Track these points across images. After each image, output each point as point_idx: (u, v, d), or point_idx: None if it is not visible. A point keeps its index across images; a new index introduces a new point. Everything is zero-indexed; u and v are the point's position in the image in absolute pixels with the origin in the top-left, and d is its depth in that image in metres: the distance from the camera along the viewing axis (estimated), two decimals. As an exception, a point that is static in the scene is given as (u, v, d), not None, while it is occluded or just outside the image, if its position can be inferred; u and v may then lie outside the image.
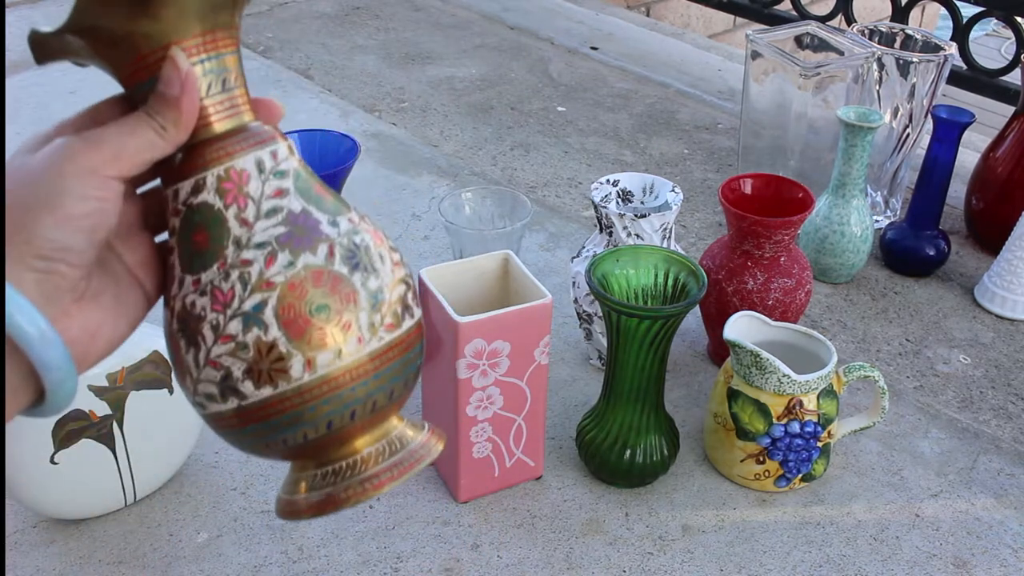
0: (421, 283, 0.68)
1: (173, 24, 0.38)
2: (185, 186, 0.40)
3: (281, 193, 0.40)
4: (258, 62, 1.47)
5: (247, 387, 0.39)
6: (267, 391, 0.39)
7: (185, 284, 0.40)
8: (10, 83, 1.37)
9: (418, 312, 0.44)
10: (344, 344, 0.39)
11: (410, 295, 0.43)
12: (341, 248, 0.40)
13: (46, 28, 0.38)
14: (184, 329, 0.40)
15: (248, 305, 0.39)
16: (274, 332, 0.38)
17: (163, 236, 0.43)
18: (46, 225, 0.36)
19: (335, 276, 0.40)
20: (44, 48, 0.38)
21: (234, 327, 0.39)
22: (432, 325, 0.68)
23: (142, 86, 0.39)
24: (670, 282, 0.71)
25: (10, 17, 1.59)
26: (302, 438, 0.40)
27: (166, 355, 0.60)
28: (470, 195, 0.86)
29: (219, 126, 0.40)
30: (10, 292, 0.34)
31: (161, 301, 0.42)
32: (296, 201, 0.40)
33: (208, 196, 0.40)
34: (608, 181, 0.82)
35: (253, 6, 1.69)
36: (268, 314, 0.38)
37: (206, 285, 0.39)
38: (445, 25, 1.64)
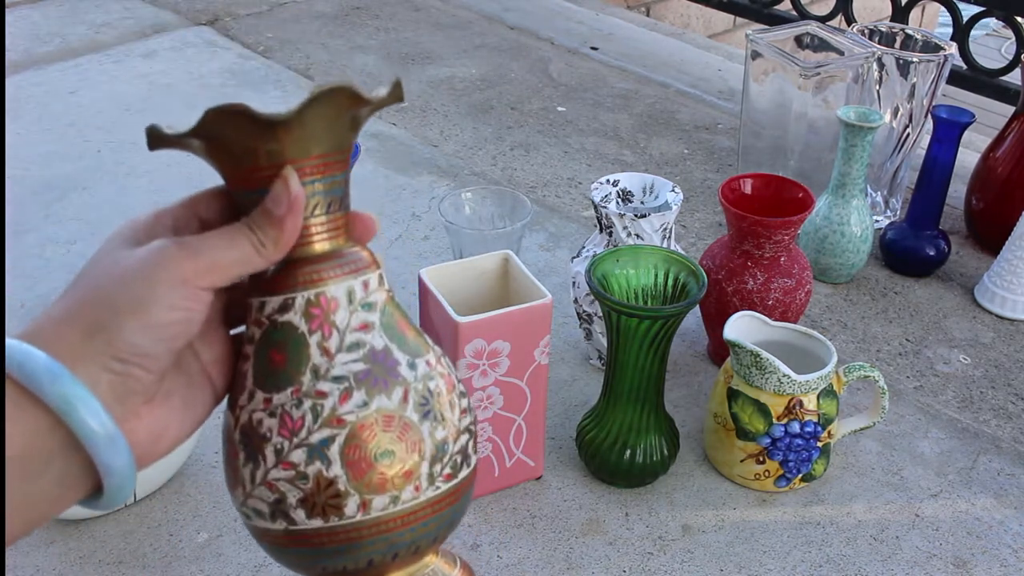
0: (421, 283, 0.68)
1: (294, 146, 0.38)
2: (273, 302, 0.40)
3: (366, 327, 0.40)
4: (258, 62, 1.47)
5: (299, 515, 0.39)
6: (318, 522, 0.39)
7: (255, 399, 0.39)
8: (10, 83, 1.37)
9: (475, 459, 0.44)
10: (402, 491, 0.40)
11: (471, 444, 0.43)
12: (415, 393, 0.40)
13: (169, 129, 0.38)
14: (246, 443, 0.40)
15: (316, 438, 0.39)
16: (336, 469, 0.38)
17: (239, 329, 0.43)
18: (130, 329, 0.35)
19: (406, 423, 0.40)
20: (160, 141, 0.39)
21: (298, 456, 0.39)
22: (432, 325, 0.68)
23: (249, 194, 0.39)
24: (670, 282, 0.71)
25: (10, 17, 1.59)
26: (341, 568, 0.40)
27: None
28: (470, 195, 0.86)
29: (317, 247, 0.40)
30: (83, 392, 0.34)
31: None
32: (379, 338, 0.40)
33: (294, 317, 0.39)
34: (608, 181, 0.82)
35: (253, 6, 1.69)
36: (333, 451, 0.38)
37: (277, 407, 0.39)
38: (445, 25, 1.64)
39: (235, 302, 0.42)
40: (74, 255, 1.01)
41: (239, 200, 0.40)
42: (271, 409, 0.39)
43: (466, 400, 0.44)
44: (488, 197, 0.86)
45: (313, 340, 0.39)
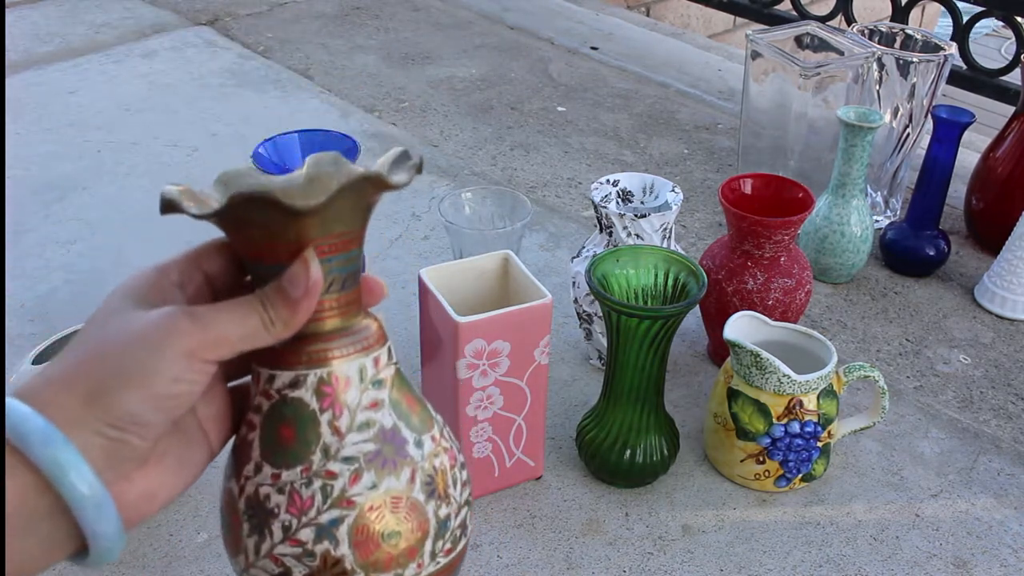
0: (421, 283, 0.68)
1: (316, 228, 0.37)
2: (283, 376, 0.39)
3: (376, 405, 0.40)
4: (258, 62, 1.47)
5: (287, 555, 0.39)
6: None
7: (263, 472, 0.39)
8: (10, 83, 1.37)
9: (470, 528, 0.44)
10: (405, 569, 0.40)
11: (469, 516, 0.44)
12: (422, 473, 0.40)
13: (193, 209, 0.37)
14: (252, 515, 0.40)
15: (325, 519, 0.39)
16: (344, 549, 0.39)
17: (237, 381, 0.42)
18: (131, 399, 0.35)
19: (412, 503, 0.40)
20: (173, 210, 0.38)
21: (306, 535, 0.39)
22: (432, 325, 0.68)
23: (264, 268, 0.38)
24: (670, 282, 0.71)
25: (10, 17, 1.59)
26: None
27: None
28: (470, 195, 0.86)
29: (329, 324, 0.39)
30: (75, 457, 0.34)
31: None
32: (388, 416, 0.40)
33: (305, 395, 0.39)
34: (608, 181, 0.82)
35: (253, 6, 1.69)
36: (342, 531, 0.39)
37: (285, 484, 0.39)
38: (445, 25, 1.64)
39: (235, 363, 0.41)
40: (74, 255, 1.01)
41: (252, 271, 0.40)
42: (279, 485, 0.39)
43: (466, 472, 0.44)
44: (488, 197, 0.86)
45: (324, 419, 0.39)
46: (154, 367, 0.35)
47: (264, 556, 0.40)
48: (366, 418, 0.40)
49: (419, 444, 0.41)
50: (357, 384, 0.40)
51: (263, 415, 0.40)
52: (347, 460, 0.39)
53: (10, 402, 0.34)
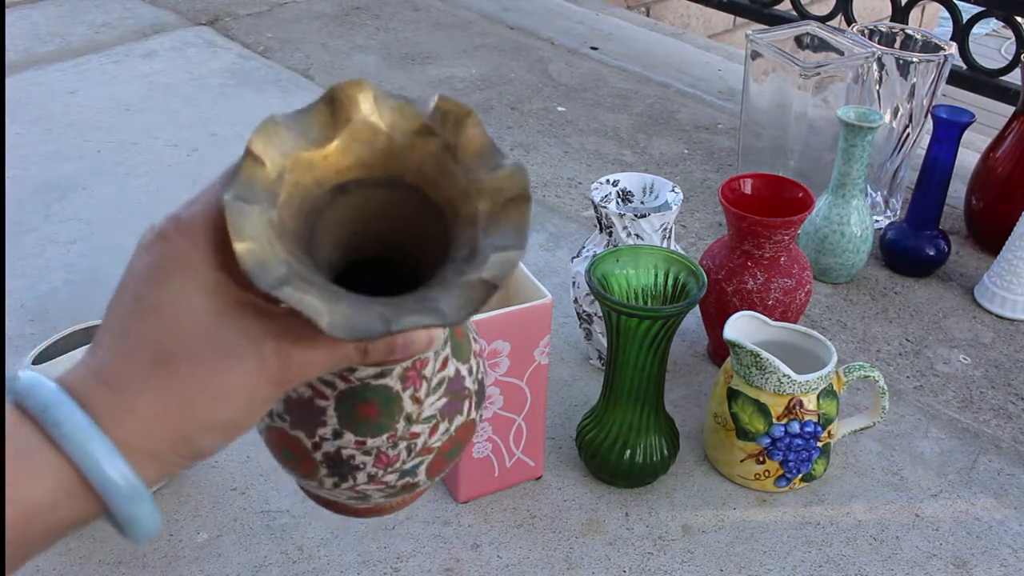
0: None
1: None
2: (368, 370, 0.39)
3: (446, 363, 0.41)
4: (258, 62, 1.47)
5: (377, 500, 0.43)
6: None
7: (344, 438, 0.40)
8: (10, 83, 1.37)
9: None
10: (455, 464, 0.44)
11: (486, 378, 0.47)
12: (476, 396, 0.43)
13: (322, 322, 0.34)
14: (332, 466, 0.41)
15: (408, 465, 0.41)
16: (420, 478, 0.42)
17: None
18: (215, 444, 0.34)
19: (472, 423, 0.43)
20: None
21: (391, 479, 0.41)
22: (432, 325, 0.68)
23: None
24: (670, 282, 0.71)
25: (10, 17, 1.59)
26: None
27: None
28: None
29: None
30: (122, 465, 0.32)
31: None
32: (452, 365, 0.41)
33: (390, 381, 0.40)
34: (608, 181, 0.82)
35: (253, 6, 1.69)
36: (421, 470, 0.41)
37: (372, 448, 0.40)
38: (445, 25, 1.64)
39: None
40: (74, 255, 1.01)
41: None
42: (365, 449, 0.40)
43: (478, 344, 0.45)
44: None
45: (407, 395, 0.40)
46: (246, 422, 0.34)
47: (344, 489, 0.42)
48: (439, 379, 0.41)
49: (470, 372, 0.43)
50: (433, 357, 0.41)
51: (337, 392, 0.40)
52: (427, 420, 0.41)
53: (82, 420, 0.32)
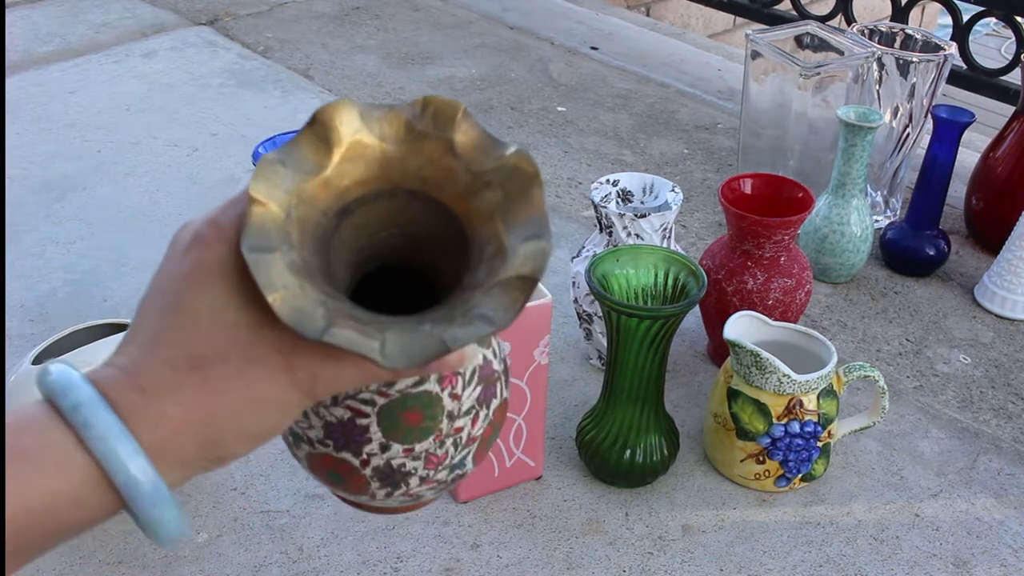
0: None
1: None
2: (406, 381, 0.39)
3: (474, 354, 0.41)
4: (258, 62, 1.47)
5: (428, 497, 0.44)
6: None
7: (392, 449, 0.40)
8: (10, 83, 1.37)
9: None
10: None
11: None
12: (505, 375, 0.43)
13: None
14: (383, 479, 0.41)
15: (457, 459, 0.42)
16: (468, 467, 0.42)
17: None
18: (241, 449, 0.34)
19: (505, 402, 0.44)
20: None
21: (443, 476, 0.42)
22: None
23: None
24: (670, 282, 0.71)
25: (10, 17, 1.59)
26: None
27: None
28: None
29: None
30: (171, 505, 0.33)
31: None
32: (479, 353, 0.41)
33: (428, 386, 0.40)
34: (608, 181, 0.82)
35: (253, 6, 1.69)
36: (469, 460, 0.42)
37: (420, 452, 0.40)
38: (445, 25, 1.64)
39: None
40: (74, 255, 1.01)
41: None
42: (414, 455, 0.40)
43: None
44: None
45: (445, 394, 0.40)
46: (273, 430, 0.35)
47: (400, 496, 0.42)
48: (471, 370, 0.41)
49: (495, 354, 0.43)
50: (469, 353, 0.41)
51: (378, 407, 0.40)
52: (467, 412, 0.41)
53: (112, 423, 0.32)
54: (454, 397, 0.40)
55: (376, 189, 0.36)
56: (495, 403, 0.42)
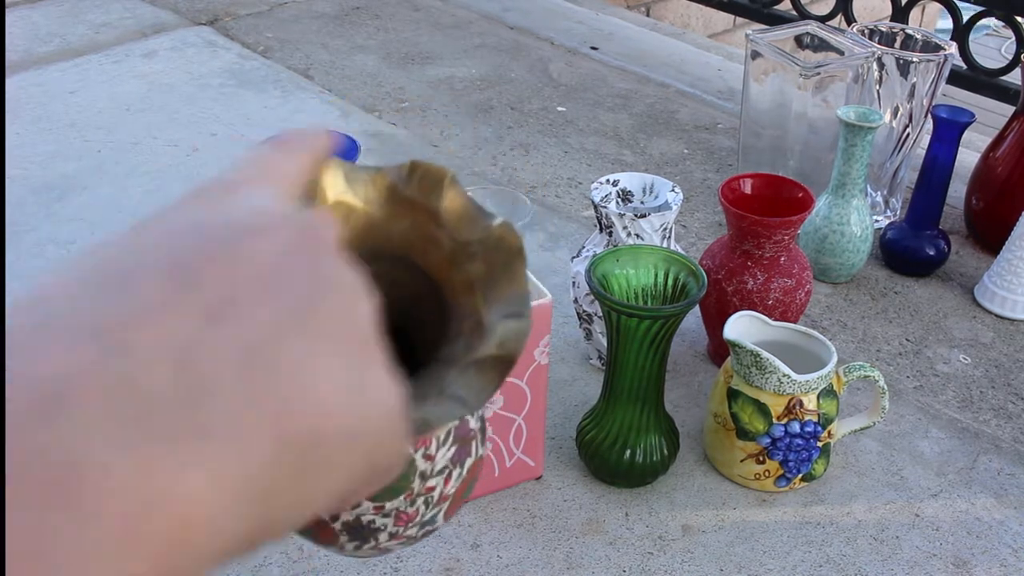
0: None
1: None
2: None
3: None
4: (258, 62, 1.47)
5: (398, 551, 0.45)
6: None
7: (363, 506, 0.40)
8: (10, 83, 1.37)
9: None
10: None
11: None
12: (480, 434, 0.43)
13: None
14: (352, 532, 0.41)
15: (427, 516, 0.42)
16: (438, 523, 0.42)
17: None
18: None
19: (480, 459, 0.43)
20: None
21: (412, 532, 0.42)
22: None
23: None
24: (670, 282, 0.71)
25: (10, 17, 1.59)
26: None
27: None
28: (470, 195, 0.86)
29: None
30: None
31: None
32: None
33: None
34: (608, 181, 0.82)
35: (253, 6, 1.69)
36: (439, 517, 0.42)
37: (391, 510, 0.41)
38: (445, 25, 1.64)
39: None
40: (74, 255, 1.01)
41: None
42: (384, 512, 0.41)
43: None
44: (488, 197, 0.86)
45: (418, 455, 0.40)
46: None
47: (367, 550, 0.42)
48: (447, 430, 0.41)
49: (471, 414, 0.43)
50: None
51: None
52: (440, 472, 0.41)
53: None
54: (427, 458, 0.40)
55: (358, 252, 0.34)
56: (469, 461, 0.42)
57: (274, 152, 0.28)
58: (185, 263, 0.21)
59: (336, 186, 0.34)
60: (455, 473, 0.41)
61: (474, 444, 0.42)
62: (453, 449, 0.41)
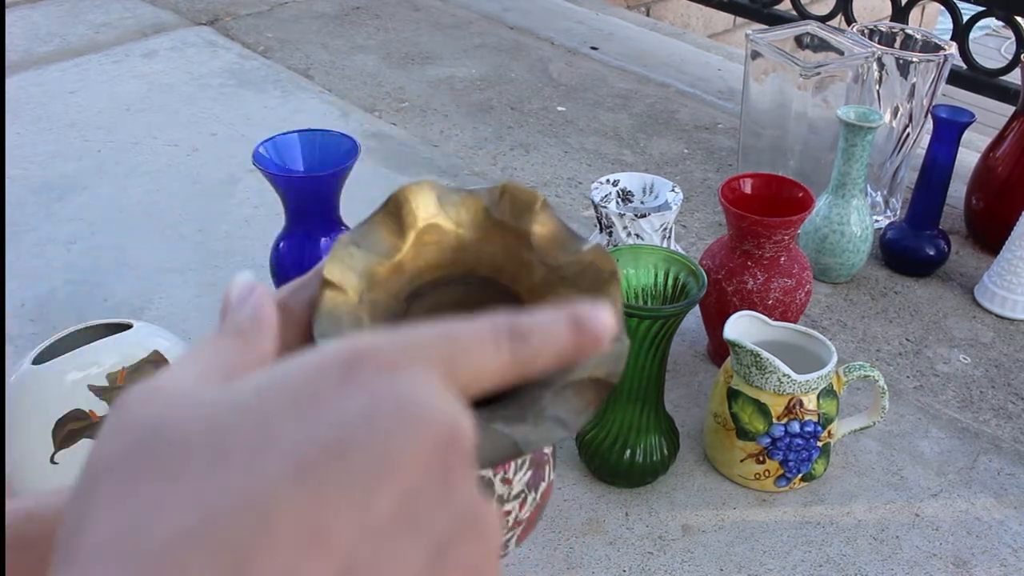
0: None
1: None
2: None
3: None
4: (258, 62, 1.47)
5: None
6: None
7: None
8: (10, 83, 1.37)
9: None
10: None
11: None
12: (552, 458, 0.44)
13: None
14: None
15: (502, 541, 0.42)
16: (510, 547, 0.42)
17: None
18: None
19: (551, 484, 0.44)
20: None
21: None
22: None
23: None
24: (670, 282, 0.71)
25: (10, 17, 1.59)
26: None
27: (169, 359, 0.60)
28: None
29: None
30: None
31: None
32: None
33: (485, 472, 0.40)
34: (608, 181, 0.82)
35: (253, 6, 1.69)
36: (512, 542, 0.42)
37: None
38: (445, 25, 1.64)
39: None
40: (74, 255, 1.01)
41: None
42: None
43: None
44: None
45: (498, 479, 0.41)
46: None
47: None
48: (525, 457, 0.41)
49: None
50: None
51: None
52: (516, 496, 0.42)
53: None
54: (505, 482, 0.40)
55: (449, 274, 0.34)
56: (543, 486, 0.42)
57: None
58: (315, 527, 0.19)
59: (428, 208, 0.34)
60: (530, 498, 0.41)
61: (547, 468, 0.42)
62: (529, 473, 0.41)
